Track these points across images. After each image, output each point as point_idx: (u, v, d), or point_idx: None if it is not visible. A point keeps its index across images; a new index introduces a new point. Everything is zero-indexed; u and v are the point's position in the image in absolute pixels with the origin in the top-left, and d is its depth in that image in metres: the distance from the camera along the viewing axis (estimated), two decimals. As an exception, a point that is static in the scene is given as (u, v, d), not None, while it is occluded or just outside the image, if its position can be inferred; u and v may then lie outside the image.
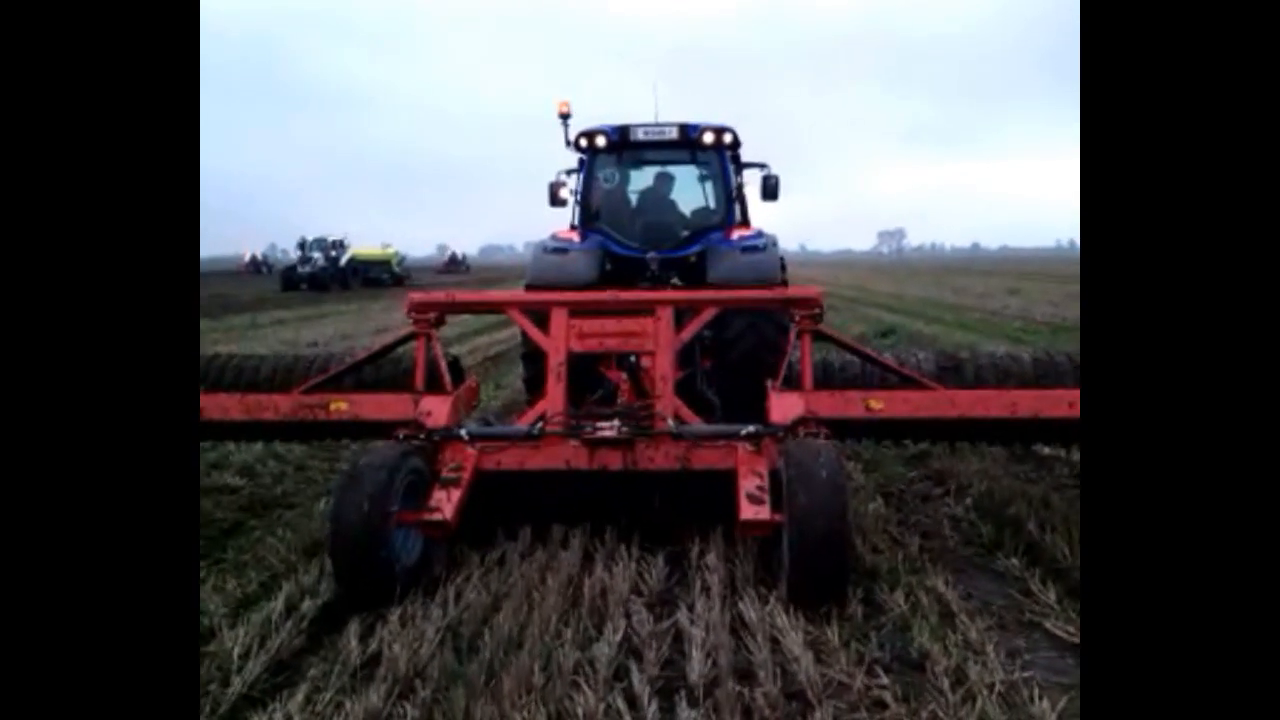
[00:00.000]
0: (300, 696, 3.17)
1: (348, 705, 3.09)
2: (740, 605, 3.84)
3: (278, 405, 4.96)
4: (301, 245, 40.76)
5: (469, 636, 3.60)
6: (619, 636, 3.56)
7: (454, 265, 67.08)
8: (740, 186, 8.33)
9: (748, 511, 4.02)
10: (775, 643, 3.52)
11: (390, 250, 46.38)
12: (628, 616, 3.76)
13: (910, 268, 56.81)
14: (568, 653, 3.39)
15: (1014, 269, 57.30)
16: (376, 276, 41.84)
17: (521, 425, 4.91)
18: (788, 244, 8.57)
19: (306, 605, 3.87)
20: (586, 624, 3.69)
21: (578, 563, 4.29)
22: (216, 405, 4.91)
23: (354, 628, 3.70)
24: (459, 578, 4.20)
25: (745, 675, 3.30)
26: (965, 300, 26.54)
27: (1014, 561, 4.48)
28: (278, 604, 3.86)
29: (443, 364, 5.12)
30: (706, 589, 4.03)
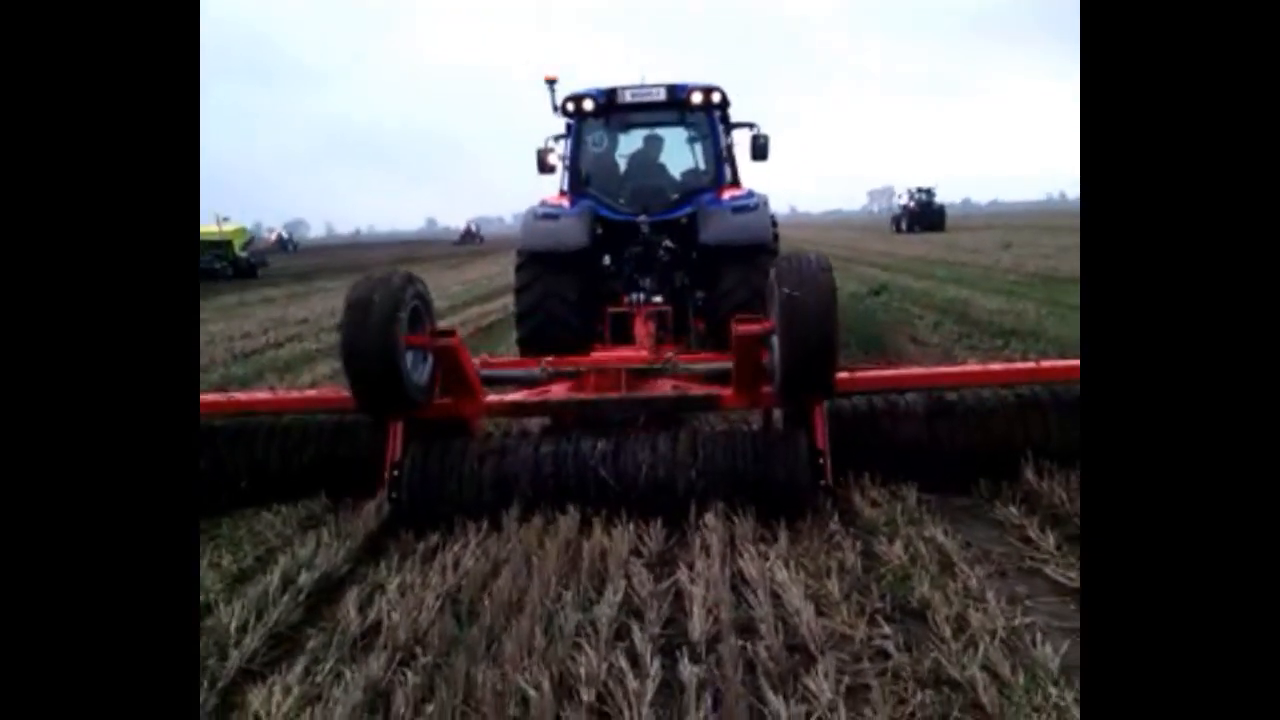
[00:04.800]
0: (299, 668, 3.16)
1: (347, 675, 3.07)
2: (740, 562, 3.83)
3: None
4: None
5: (469, 602, 3.58)
6: (619, 597, 3.54)
7: (469, 238, 67.94)
8: (730, 147, 8.24)
9: (741, 327, 4.41)
10: (776, 597, 3.51)
11: (232, 228, 32.39)
12: (628, 578, 3.75)
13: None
14: (568, 615, 3.37)
15: (1005, 223, 57.14)
16: (208, 266, 28.81)
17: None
18: (777, 206, 8.44)
19: (304, 578, 3.84)
20: (586, 586, 3.68)
21: (576, 526, 4.27)
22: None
23: (353, 597, 3.68)
24: (456, 545, 4.18)
25: (747, 630, 3.29)
26: (958, 256, 26.47)
27: (1012, 510, 4.47)
28: (274, 578, 3.83)
29: None
30: (706, 548, 4.01)
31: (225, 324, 15.13)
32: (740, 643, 3.13)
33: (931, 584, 3.57)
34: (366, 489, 4.77)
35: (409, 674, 3.06)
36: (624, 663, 3.04)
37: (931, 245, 33.64)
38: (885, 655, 3.11)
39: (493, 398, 5.02)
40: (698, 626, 3.27)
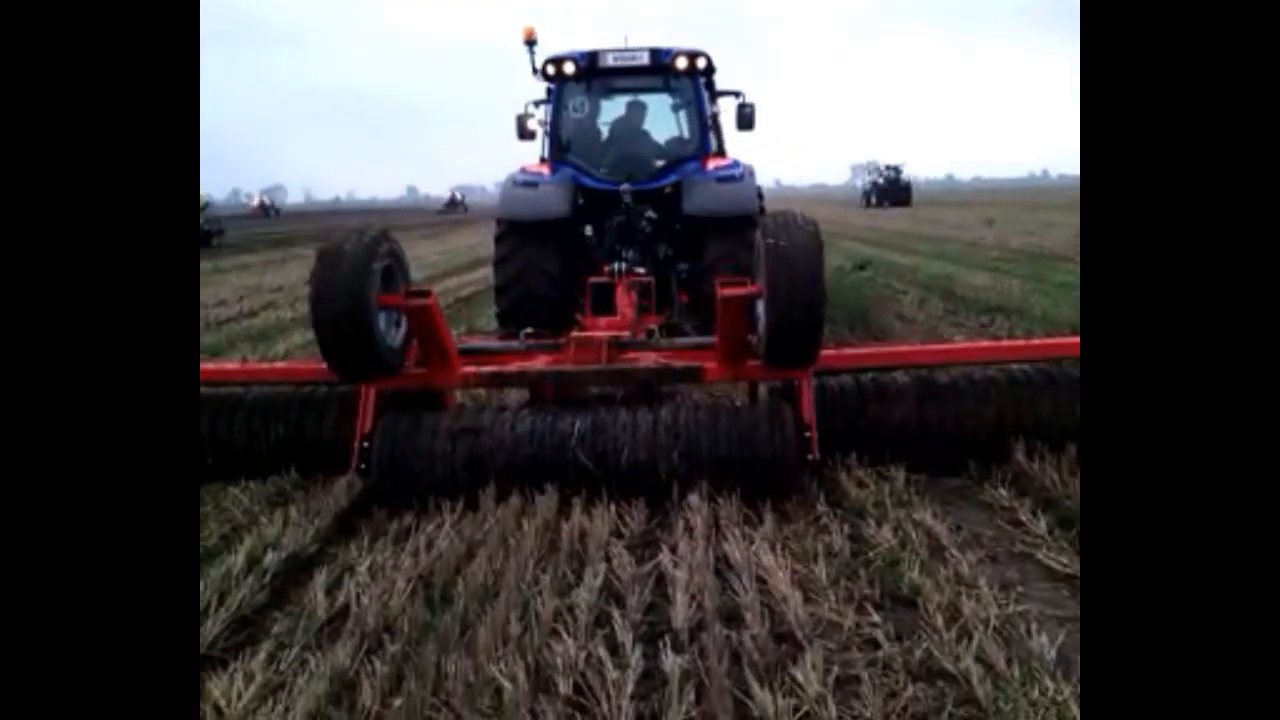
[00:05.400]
0: (262, 655, 3.00)
1: (313, 663, 2.92)
2: (725, 545, 3.70)
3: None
4: None
5: (441, 586, 3.44)
6: (599, 581, 3.41)
7: (453, 206, 67.11)
8: (715, 115, 8.03)
9: (727, 289, 4.27)
10: (761, 583, 3.39)
11: None
12: (608, 560, 3.62)
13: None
14: (546, 600, 3.23)
15: (988, 200, 57.21)
16: None
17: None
18: (761, 179, 8.25)
19: (270, 558, 3.67)
20: (565, 570, 3.54)
21: (555, 507, 4.12)
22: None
23: (321, 580, 3.53)
24: (430, 526, 4.03)
25: (732, 617, 3.16)
26: (943, 231, 26.41)
27: (1002, 492, 4.37)
28: (239, 558, 3.67)
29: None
30: (690, 529, 3.88)
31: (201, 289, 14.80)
32: (725, 631, 3.01)
33: (922, 570, 3.46)
34: (338, 465, 4.60)
35: (377, 663, 2.91)
36: (603, 652, 2.91)
37: (915, 220, 33.60)
38: (875, 645, 3.00)
39: (469, 368, 4.84)
40: (680, 613, 3.14)
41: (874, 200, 50.27)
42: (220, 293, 14.18)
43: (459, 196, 71.06)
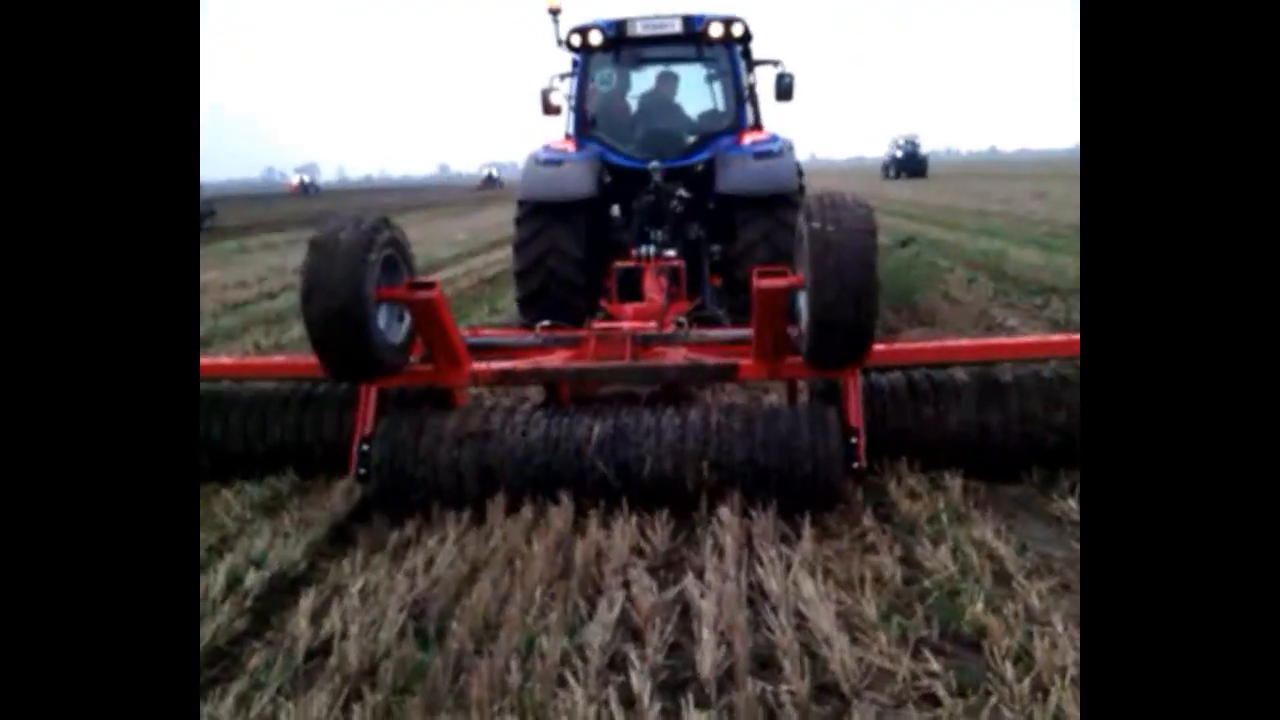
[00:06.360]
0: (232, 698, 2.64)
1: (285, 713, 2.55)
2: (758, 570, 3.27)
3: None
4: None
5: (437, 616, 3.05)
6: (615, 614, 2.99)
7: (490, 184, 68.29)
8: (752, 87, 7.52)
9: (764, 280, 3.78)
10: (801, 618, 2.96)
11: None
12: (626, 587, 3.20)
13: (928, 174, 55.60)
14: (553, 638, 2.83)
15: (1034, 171, 55.62)
16: None
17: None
18: (798, 153, 7.72)
19: (252, 579, 3.32)
20: (577, 600, 3.12)
21: (569, 520, 3.71)
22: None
23: (307, 603, 3.16)
24: (432, 539, 3.65)
25: (766, 663, 2.74)
26: (988, 205, 25.50)
27: (1071, 504, 3.89)
28: (219, 577, 3.32)
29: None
30: (719, 549, 3.46)
31: (221, 271, 14.61)
32: (758, 684, 2.58)
33: (986, 604, 3.01)
34: (338, 467, 4.25)
35: (356, 710, 2.54)
36: (616, 705, 2.51)
37: (960, 194, 32.57)
38: (934, 701, 2.55)
39: (479, 365, 4.44)
40: (707, 658, 2.72)
41: (893, 173, 51.88)
42: (243, 274, 13.97)
43: (494, 173, 71.80)
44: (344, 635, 2.93)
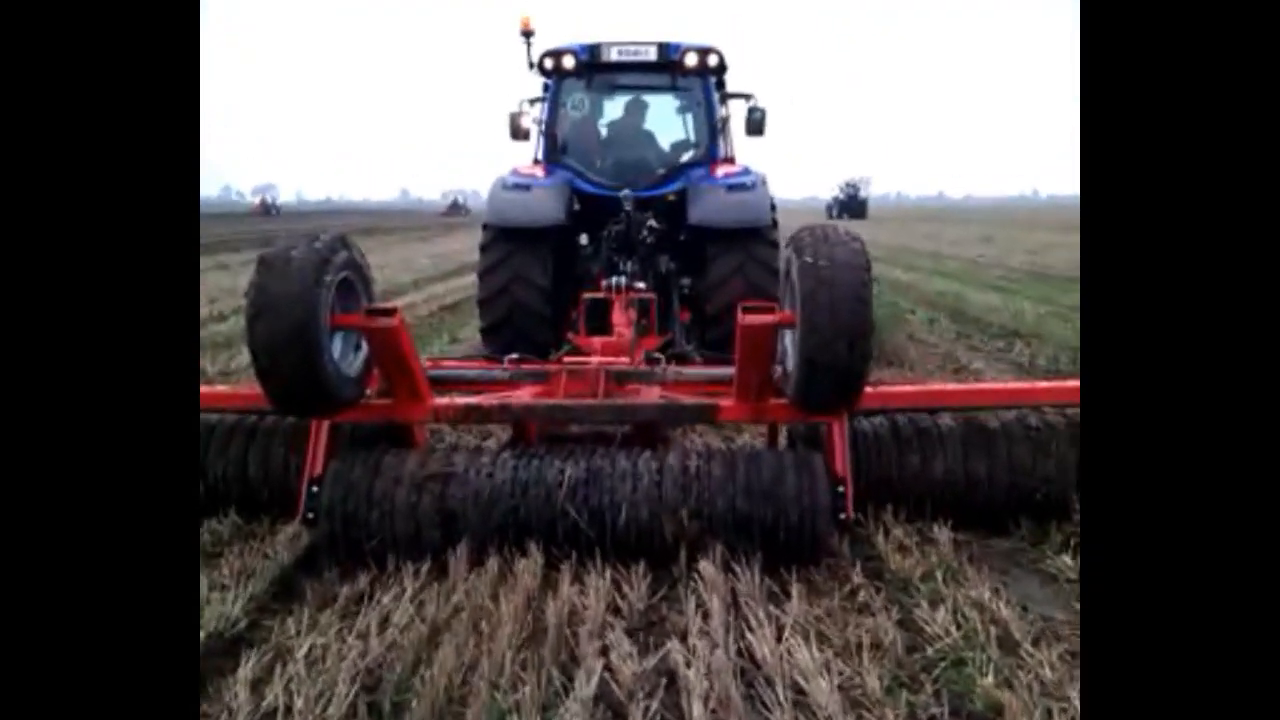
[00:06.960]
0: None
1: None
2: (748, 636, 3.00)
3: None
4: None
5: (393, 690, 2.72)
6: (593, 687, 2.69)
7: (455, 210, 68.10)
8: (725, 119, 7.37)
9: (750, 316, 3.51)
10: (799, 692, 2.69)
11: None
12: (604, 654, 2.90)
13: (875, 216, 56.96)
14: (526, 717, 2.52)
15: (982, 217, 56.99)
16: None
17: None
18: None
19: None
20: (550, 670, 2.81)
21: (539, 574, 3.41)
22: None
23: (245, 673, 2.80)
24: (387, 596, 3.31)
25: (763, 747, 2.47)
26: (940, 247, 25.87)
27: (1065, 560, 3.71)
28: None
29: None
30: (703, 608, 3.19)
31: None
32: (759, 774, 2.31)
33: (996, 674, 2.78)
34: (285, 508, 3.90)
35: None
36: (599, 799, 2.21)
37: (912, 235, 33.09)
38: (953, 792, 2.31)
39: (441, 400, 4.12)
40: (699, 742, 2.44)
41: (835, 213, 56.32)
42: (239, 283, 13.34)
43: (461, 199, 72.15)
44: (288, 710, 2.59)
